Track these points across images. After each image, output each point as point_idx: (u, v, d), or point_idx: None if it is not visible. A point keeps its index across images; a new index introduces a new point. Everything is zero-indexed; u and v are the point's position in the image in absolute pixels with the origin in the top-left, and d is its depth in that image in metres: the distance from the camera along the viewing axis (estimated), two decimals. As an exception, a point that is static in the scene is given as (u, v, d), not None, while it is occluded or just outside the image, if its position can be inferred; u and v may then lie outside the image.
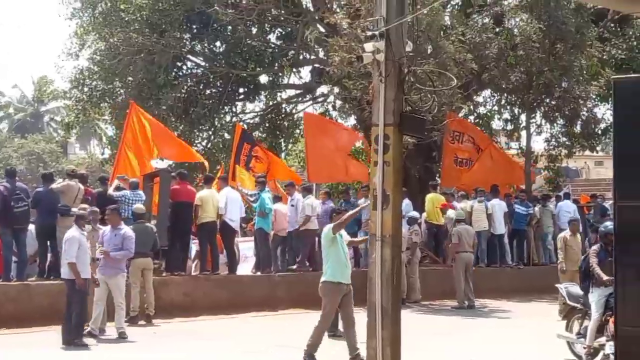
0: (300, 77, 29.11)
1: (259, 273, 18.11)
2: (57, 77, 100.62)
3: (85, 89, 26.51)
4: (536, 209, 22.47)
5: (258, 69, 26.63)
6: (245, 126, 25.20)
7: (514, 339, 14.15)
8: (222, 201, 17.31)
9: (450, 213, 20.31)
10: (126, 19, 24.92)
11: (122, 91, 26.25)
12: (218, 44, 27.05)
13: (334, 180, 22.36)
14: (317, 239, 18.01)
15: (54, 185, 15.29)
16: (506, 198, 21.95)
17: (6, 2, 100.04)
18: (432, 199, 21.05)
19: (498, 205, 21.12)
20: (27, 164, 57.40)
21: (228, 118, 28.03)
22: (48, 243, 15.31)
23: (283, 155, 29.86)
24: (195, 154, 22.08)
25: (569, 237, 17.00)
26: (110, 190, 16.68)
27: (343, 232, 11.96)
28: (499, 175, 23.51)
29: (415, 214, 19.71)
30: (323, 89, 27.89)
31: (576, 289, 12.11)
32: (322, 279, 11.62)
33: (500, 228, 21.12)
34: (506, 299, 19.70)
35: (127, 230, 13.91)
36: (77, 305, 12.68)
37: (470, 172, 23.54)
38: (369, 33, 9.53)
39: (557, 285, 13.11)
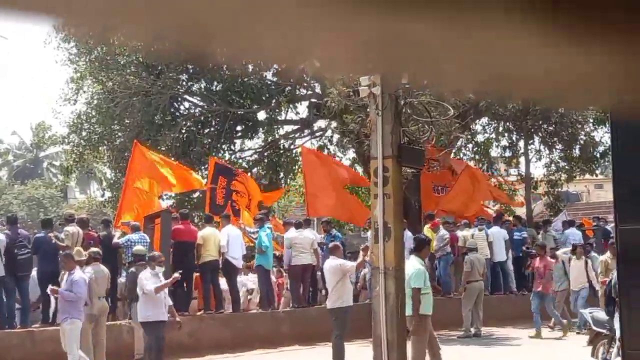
0: (297, 113, 29.21)
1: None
2: (55, 122, 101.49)
3: (84, 133, 26.58)
4: (539, 235, 22.45)
5: (255, 106, 26.72)
6: (245, 164, 25.17)
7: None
8: (223, 239, 17.29)
9: (460, 236, 20.36)
10: (122, 62, 25.03)
11: (120, 134, 26.33)
12: (215, 83, 27.14)
13: (333, 214, 22.18)
14: (319, 273, 18.00)
15: (59, 243, 15.16)
16: (504, 225, 21.90)
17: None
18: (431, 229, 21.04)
19: (498, 233, 21.10)
20: (28, 210, 57.39)
21: (227, 156, 28.04)
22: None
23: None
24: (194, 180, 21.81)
25: (611, 260, 15.74)
26: (116, 239, 16.65)
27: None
28: (480, 197, 23.56)
29: (417, 245, 19.62)
30: (321, 123, 27.98)
31: (601, 314, 11.90)
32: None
33: (501, 255, 21.07)
34: (511, 326, 19.54)
35: (77, 274, 13.15)
36: (152, 350, 12.70)
37: (447, 197, 23.59)
38: (364, 67, 9.57)
39: (581, 310, 12.75)
